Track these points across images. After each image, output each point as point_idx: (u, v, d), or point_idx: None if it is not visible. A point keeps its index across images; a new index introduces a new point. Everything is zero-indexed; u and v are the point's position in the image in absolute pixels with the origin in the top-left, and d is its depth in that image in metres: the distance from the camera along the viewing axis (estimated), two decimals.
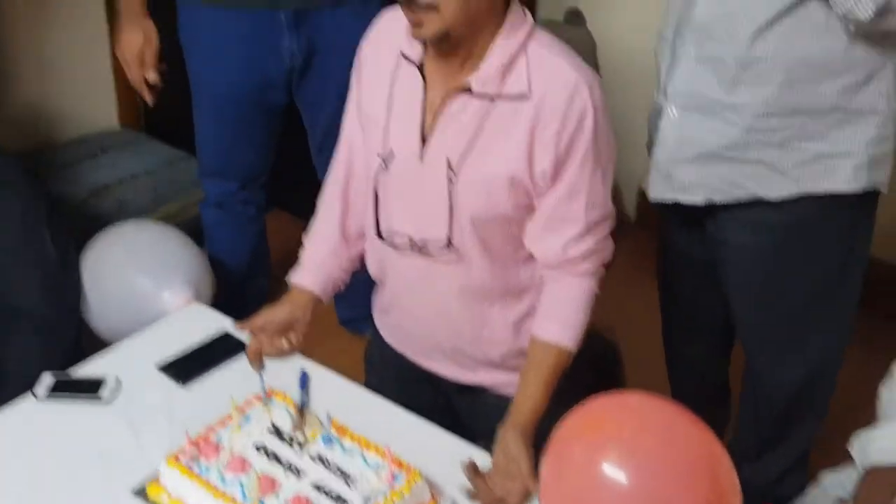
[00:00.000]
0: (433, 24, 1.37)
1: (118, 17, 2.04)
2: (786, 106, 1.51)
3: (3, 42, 2.54)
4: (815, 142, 1.54)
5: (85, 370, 1.58)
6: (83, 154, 2.63)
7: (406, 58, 1.48)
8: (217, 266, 2.28)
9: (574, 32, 2.69)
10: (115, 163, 2.62)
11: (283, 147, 2.25)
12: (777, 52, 1.48)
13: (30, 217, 1.94)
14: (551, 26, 2.65)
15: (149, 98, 2.08)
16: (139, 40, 2.01)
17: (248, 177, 2.21)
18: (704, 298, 1.82)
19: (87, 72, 2.83)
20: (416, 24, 1.38)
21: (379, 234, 1.56)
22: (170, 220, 2.49)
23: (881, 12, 1.36)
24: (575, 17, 2.76)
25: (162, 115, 2.95)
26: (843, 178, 1.56)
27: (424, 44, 1.45)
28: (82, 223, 2.34)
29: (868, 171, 1.56)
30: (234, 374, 1.59)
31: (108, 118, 2.90)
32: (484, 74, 1.42)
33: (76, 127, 2.80)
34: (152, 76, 2.04)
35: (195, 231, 2.36)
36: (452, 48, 1.42)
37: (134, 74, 2.06)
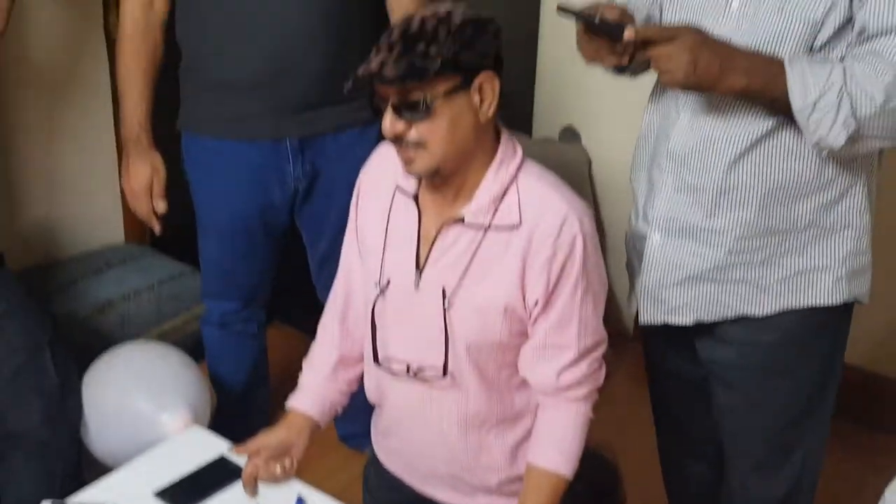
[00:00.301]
0: (423, 161, 1.42)
1: (125, 151, 2.08)
2: (764, 227, 1.57)
3: (16, 161, 2.61)
4: (794, 258, 1.59)
5: (83, 498, 1.58)
6: (88, 270, 2.68)
7: (402, 190, 1.53)
8: (218, 381, 2.31)
9: (569, 149, 2.76)
10: (120, 278, 2.67)
11: (285, 261, 2.29)
12: (752, 179, 1.54)
13: (32, 342, 1.97)
14: (547, 144, 2.72)
15: (157, 228, 2.13)
16: (147, 172, 2.05)
17: (250, 297, 2.25)
18: (697, 416, 1.84)
19: (95, 188, 2.90)
20: (407, 161, 1.43)
21: (376, 361, 1.59)
22: (172, 335, 2.52)
23: (853, 139, 1.42)
24: (570, 135, 2.83)
25: (167, 230, 3.01)
26: (823, 292, 1.60)
27: (419, 180, 1.50)
28: (85, 339, 2.38)
29: (847, 284, 1.60)
30: (230, 500, 1.59)
31: (114, 233, 2.96)
32: (476, 206, 1.47)
33: (83, 242, 2.86)
34: (161, 206, 2.08)
35: (197, 345, 2.39)
36: (444, 181, 1.47)
37: (142, 206, 2.10)
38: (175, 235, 2.94)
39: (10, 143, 2.52)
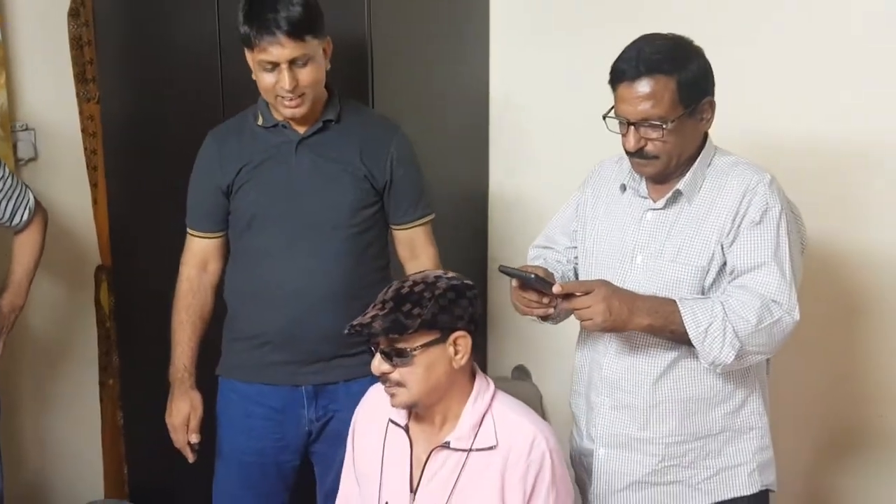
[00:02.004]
0: (402, 397, 1.76)
1: (171, 389, 2.30)
2: (687, 434, 1.93)
3: (9, 424, 2.81)
4: (714, 459, 1.94)
5: None
6: None
7: (394, 422, 1.85)
8: None
9: (521, 386, 3.06)
10: None
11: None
12: (672, 394, 1.91)
13: None
14: (500, 382, 3.05)
15: (191, 457, 2.31)
16: (187, 409, 2.27)
17: None
18: None
19: (80, 449, 3.13)
20: (390, 395, 1.76)
21: None
22: None
23: (739, 356, 1.81)
24: (521, 373, 3.15)
25: (144, 485, 3.21)
26: (741, 484, 1.95)
27: (409, 413, 1.82)
28: None
29: (759, 475, 1.95)
30: None
31: (96, 490, 3.16)
32: (459, 432, 1.79)
33: (67, 498, 3.04)
34: (195, 438, 2.29)
35: None
36: (426, 413, 1.80)
37: (179, 437, 2.29)
38: (149, 491, 3.16)
39: (5, 408, 2.74)
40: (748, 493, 1.94)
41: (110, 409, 3.18)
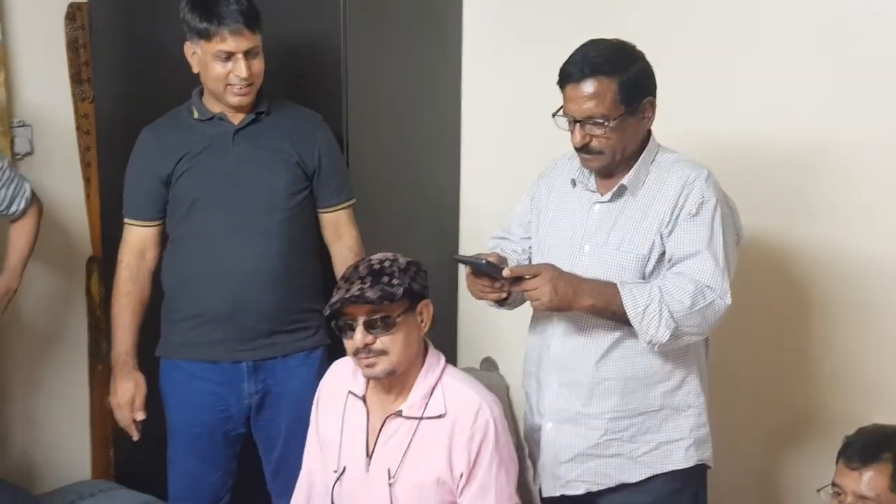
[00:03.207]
0: (383, 365, 1.91)
1: (113, 372, 2.47)
2: (628, 410, 2.07)
3: (1, 411, 2.95)
4: (654, 434, 2.08)
5: None
6: (65, 501, 2.98)
7: (353, 394, 2.00)
8: None
9: (489, 377, 3.21)
10: None
11: (242, 476, 2.63)
12: (614, 373, 2.06)
13: None
14: (469, 372, 3.19)
15: (136, 435, 2.48)
16: (131, 388, 2.44)
17: (214, 499, 2.55)
18: None
19: (68, 431, 3.27)
20: (369, 366, 1.90)
21: None
22: None
23: (674, 336, 1.96)
24: (489, 365, 3.30)
25: (131, 467, 3.35)
26: (679, 458, 2.09)
27: (367, 382, 1.97)
28: None
29: (696, 450, 2.10)
30: None
31: (82, 471, 3.30)
32: (411, 402, 1.94)
33: (55, 479, 3.18)
34: (140, 416, 2.45)
35: None
36: (391, 383, 1.94)
37: (125, 415, 2.46)
38: (137, 472, 3.29)
39: None
40: (685, 467, 2.08)
41: (99, 394, 3.30)
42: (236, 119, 2.38)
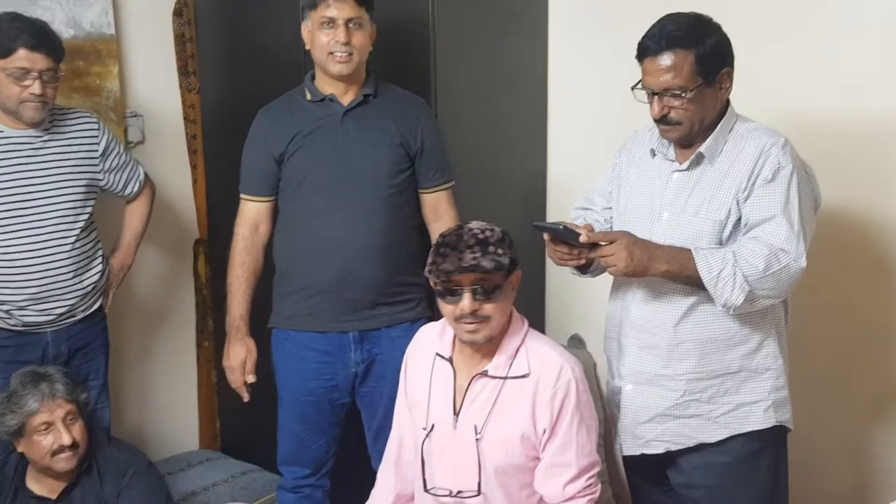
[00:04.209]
0: (485, 331, 2.00)
1: (227, 336, 2.64)
2: (706, 372, 2.12)
3: (116, 381, 3.15)
4: (732, 395, 2.13)
5: None
6: (174, 469, 3.19)
7: (440, 356, 2.10)
8: None
9: (576, 354, 3.26)
10: (200, 475, 3.17)
11: (344, 442, 2.77)
12: (692, 335, 2.11)
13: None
14: None
15: (246, 396, 2.64)
16: (243, 352, 2.61)
17: (319, 464, 2.70)
18: None
19: (177, 403, 3.48)
20: (473, 332, 1.99)
21: (426, 489, 2.08)
22: None
23: (749, 299, 2.00)
24: (576, 342, 3.37)
25: (234, 438, 3.54)
26: (757, 419, 2.13)
27: (453, 344, 2.07)
28: None
29: (774, 412, 2.14)
30: None
31: (191, 441, 3.51)
32: (496, 363, 2.04)
33: (166, 448, 3.39)
34: (251, 378, 2.61)
35: None
36: (485, 345, 2.03)
37: (237, 378, 2.63)
38: (240, 442, 3.48)
39: (111, 363, 3.09)
40: (764, 427, 2.13)
41: (205, 369, 3.52)
42: (346, 100, 2.51)
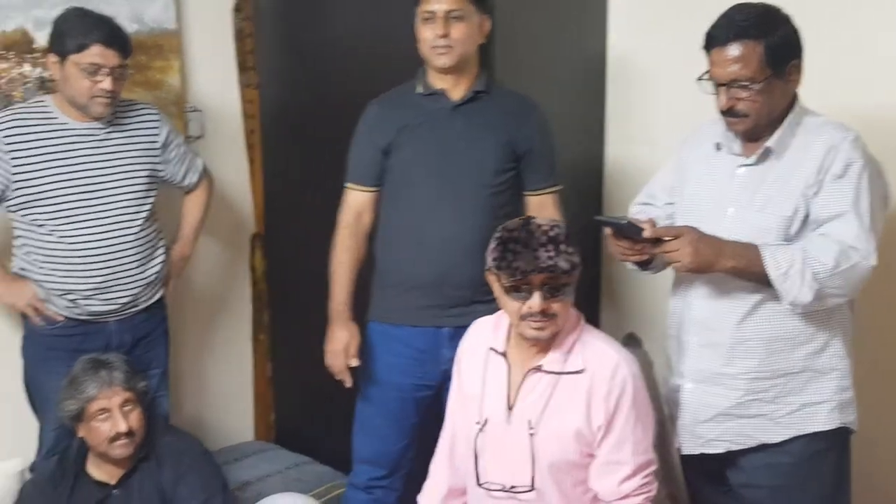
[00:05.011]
0: (551, 328, 1.98)
1: (330, 320, 2.59)
2: (770, 371, 2.07)
3: (174, 371, 3.18)
4: (796, 395, 2.08)
5: None
6: (229, 458, 3.21)
7: (494, 350, 2.08)
8: None
9: (633, 353, 3.23)
10: (254, 465, 3.20)
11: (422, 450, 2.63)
12: (756, 334, 2.07)
13: (210, 488, 2.53)
14: None
15: (348, 381, 2.58)
16: (346, 336, 2.56)
17: (395, 466, 2.65)
18: None
19: (233, 394, 3.51)
20: (540, 329, 1.96)
21: (479, 483, 2.06)
22: None
23: (818, 297, 1.95)
24: (632, 341, 3.31)
25: (289, 429, 3.56)
26: (821, 420, 2.08)
27: (507, 338, 2.05)
28: None
29: (839, 413, 2.09)
30: None
31: (246, 432, 3.55)
32: (552, 357, 2.01)
33: (223, 438, 3.42)
34: (354, 362, 2.56)
35: None
36: (528, 341, 2.01)
37: (339, 362, 2.54)
38: (294, 434, 3.50)
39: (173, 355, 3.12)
40: (828, 429, 2.07)
41: (261, 362, 3.54)
42: (456, 95, 2.48)
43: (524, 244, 1.95)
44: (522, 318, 1.97)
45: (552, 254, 1.92)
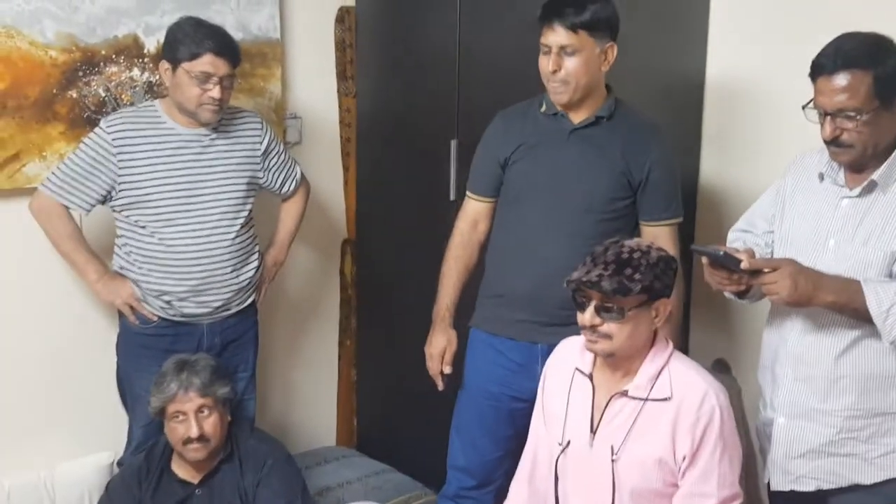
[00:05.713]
0: (604, 347, 1.96)
1: (433, 324, 2.64)
2: (866, 410, 2.01)
3: (262, 373, 3.24)
4: (892, 436, 2.01)
5: None
6: (311, 462, 3.26)
7: (580, 371, 2.06)
8: None
9: (720, 379, 3.14)
10: (335, 471, 3.24)
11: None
12: (853, 371, 2.00)
13: (291, 490, 2.57)
14: None
15: (441, 385, 2.63)
16: (444, 342, 2.61)
17: (486, 477, 2.64)
18: None
19: (318, 399, 3.56)
20: (591, 342, 1.97)
21: None
22: None
23: None
24: (721, 366, 3.24)
25: (370, 436, 3.60)
26: None
27: (594, 360, 2.03)
28: None
29: None
30: None
31: (329, 437, 3.59)
32: (637, 383, 1.98)
33: (305, 442, 3.47)
34: (448, 369, 2.61)
35: None
36: (617, 364, 1.99)
37: (435, 365, 2.60)
38: (375, 442, 3.53)
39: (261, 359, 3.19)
40: None
41: (346, 367, 3.59)
42: (576, 118, 2.46)
43: (593, 259, 1.97)
44: (582, 329, 1.98)
45: (605, 273, 1.92)
